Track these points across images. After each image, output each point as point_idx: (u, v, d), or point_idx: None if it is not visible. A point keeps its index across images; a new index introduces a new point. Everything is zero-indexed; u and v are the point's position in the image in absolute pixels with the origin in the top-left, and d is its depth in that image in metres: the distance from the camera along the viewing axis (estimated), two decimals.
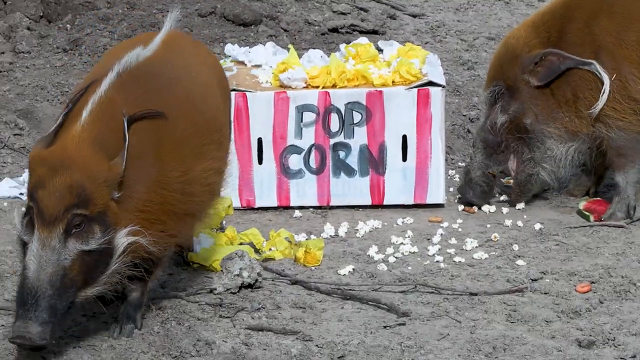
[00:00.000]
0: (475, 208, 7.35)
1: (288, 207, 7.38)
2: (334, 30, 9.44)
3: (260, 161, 7.33)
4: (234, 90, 7.24)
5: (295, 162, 7.35)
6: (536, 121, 7.21)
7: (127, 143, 5.33)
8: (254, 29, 9.38)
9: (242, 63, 7.57)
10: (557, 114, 7.18)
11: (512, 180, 7.34)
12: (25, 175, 7.52)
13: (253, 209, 7.36)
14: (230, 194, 7.26)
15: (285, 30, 9.40)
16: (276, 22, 9.50)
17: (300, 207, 7.38)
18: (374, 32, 9.37)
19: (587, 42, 7.11)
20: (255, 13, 9.49)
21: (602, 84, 7.04)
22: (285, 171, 7.34)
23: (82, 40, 9.17)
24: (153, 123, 5.50)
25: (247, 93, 7.25)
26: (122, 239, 5.36)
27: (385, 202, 7.39)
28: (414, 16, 9.86)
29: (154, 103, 5.61)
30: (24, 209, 5.34)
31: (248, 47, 7.74)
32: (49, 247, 5.18)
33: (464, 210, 7.36)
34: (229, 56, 7.65)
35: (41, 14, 9.90)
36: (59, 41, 9.22)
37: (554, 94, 7.16)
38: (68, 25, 9.42)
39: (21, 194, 7.44)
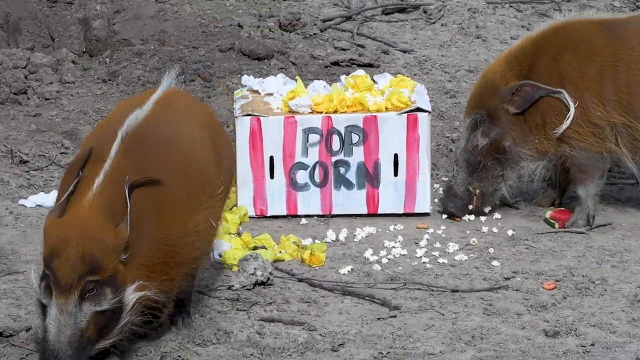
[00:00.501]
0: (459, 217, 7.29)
1: (295, 216, 7.32)
2: (335, 63, 9.40)
3: (272, 176, 7.28)
4: (249, 115, 7.20)
5: (302, 176, 7.30)
6: (514, 144, 7.17)
7: (129, 210, 5.17)
8: (266, 62, 9.35)
9: (257, 92, 7.54)
10: (530, 137, 7.14)
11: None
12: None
13: (265, 217, 7.30)
14: (245, 204, 7.25)
15: (293, 64, 9.37)
16: (286, 56, 9.46)
17: (306, 216, 7.32)
18: (370, 65, 9.33)
19: (554, 75, 7.06)
20: (268, 49, 9.46)
21: (568, 110, 6.99)
22: (293, 185, 7.29)
23: (119, 72, 9.14)
24: (151, 185, 5.34)
25: (261, 117, 7.21)
26: (131, 296, 5.23)
27: (379, 211, 7.34)
28: (404, 52, 9.83)
29: (153, 165, 5.45)
30: (39, 272, 5.19)
31: (262, 78, 7.71)
32: (66, 312, 5.06)
33: (448, 218, 7.30)
34: (245, 85, 7.60)
35: (84, 50, 9.88)
36: (99, 73, 9.18)
37: (527, 119, 7.12)
38: (107, 60, 9.40)
39: None
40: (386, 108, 7.31)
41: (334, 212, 7.34)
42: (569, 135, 7.05)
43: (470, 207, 7.29)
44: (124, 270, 5.22)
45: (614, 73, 7.01)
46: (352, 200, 7.35)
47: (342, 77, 7.62)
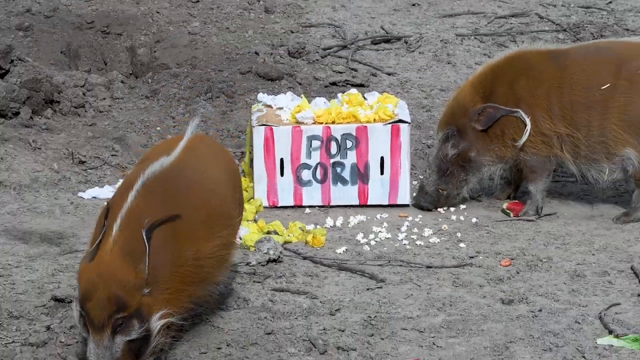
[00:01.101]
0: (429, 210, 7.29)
1: (301, 206, 7.32)
2: (333, 83, 9.40)
3: (282, 174, 7.28)
4: (263, 125, 7.22)
5: (306, 175, 7.30)
6: (477, 154, 7.17)
7: (147, 251, 5.00)
8: (278, 82, 9.35)
9: (270, 106, 7.54)
10: (491, 146, 7.14)
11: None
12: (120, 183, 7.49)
13: (276, 207, 7.30)
14: (260, 196, 7.24)
15: (299, 84, 9.36)
16: (293, 78, 9.46)
17: (310, 206, 7.31)
18: (361, 85, 9.33)
19: (511, 96, 7.06)
20: (279, 72, 9.45)
21: (523, 124, 6.99)
22: (299, 181, 7.29)
23: (159, 90, 9.13)
24: (171, 222, 5.19)
25: (273, 127, 7.22)
26: (156, 323, 5.08)
27: (369, 203, 7.33)
28: (389, 74, 9.82)
29: (173, 203, 5.27)
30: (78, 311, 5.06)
31: (274, 95, 7.71)
32: (102, 346, 4.95)
33: (421, 210, 7.30)
34: (261, 101, 7.61)
35: (131, 72, 9.86)
36: (142, 91, 9.18)
37: (489, 133, 7.12)
38: (149, 80, 9.39)
39: None
40: (374, 120, 7.31)
41: (332, 204, 7.34)
42: (526, 144, 7.06)
43: (438, 203, 7.30)
44: (149, 301, 5.07)
45: (559, 93, 7.00)
46: (346, 194, 7.34)
47: (339, 95, 7.62)
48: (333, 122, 7.29)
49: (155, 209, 5.18)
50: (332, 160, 7.30)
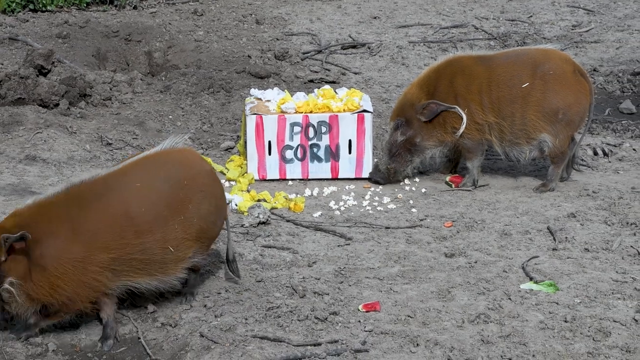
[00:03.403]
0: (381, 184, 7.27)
1: (285, 179, 7.27)
2: (311, 81, 9.37)
3: (269, 153, 7.23)
4: (255, 114, 7.16)
5: (289, 154, 7.25)
6: (422, 140, 7.13)
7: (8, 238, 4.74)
8: (266, 80, 9.30)
9: (260, 99, 7.49)
10: (434, 133, 7.10)
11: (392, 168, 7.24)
12: None
13: (265, 180, 7.24)
14: (252, 171, 7.20)
15: (284, 81, 9.32)
16: (279, 76, 9.41)
17: (292, 179, 7.27)
18: (334, 82, 9.30)
19: (450, 92, 7.02)
20: (267, 71, 9.41)
21: (462, 119, 6.97)
22: (283, 159, 7.25)
23: (171, 86, 9.08)
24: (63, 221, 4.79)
25: (263, 116, 7.16)
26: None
27: (339, 177, 7.30)
28: (356, 73, 9.79)
29: (69, 209, 4.82)
30: None
31: (263, 90, 7.65)
32: None
33: (374, 184, 7.26)
34: (252, 95, 7.56)
35: (148, 72, 9.80)
36: (158, 86, 9.13)
37: (433, 122, 7.08)
38: (163, 78, 9.34)
39: None
40: (344, 110, 7.28)
41: (310, 177, 7.30)
42: (463, 131, 7.04)
43: (388, 179, 7.26)
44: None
45: (488, 90, 6.97)
46: (321, 170, 7.30)
47: (315, 90, 7.58)
48: (311, 112, 7.25)
49: (54, 210, 4.83)
50: (310, 142, 7.26)
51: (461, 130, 7.00)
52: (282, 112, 7.25)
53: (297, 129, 7.22)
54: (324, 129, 7.25)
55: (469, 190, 7.10)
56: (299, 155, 7.26)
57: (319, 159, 7.29)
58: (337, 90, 7.57)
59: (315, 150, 7.27)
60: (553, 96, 6.89)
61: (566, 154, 7.04)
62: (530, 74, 6.91)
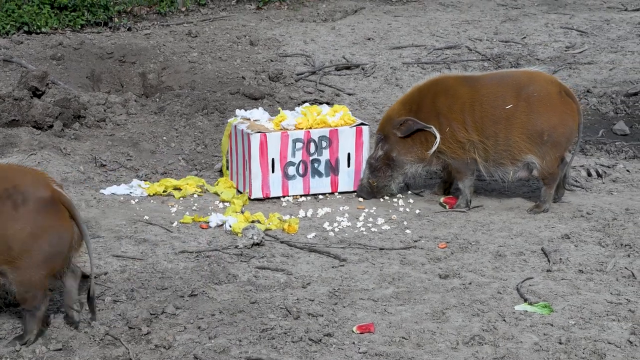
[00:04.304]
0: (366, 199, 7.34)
1: (283, 197, 7.29)
2: (305, 102, 9.39)
3: (273, 171, 7.25)
4: (259, 132, 7.21)
5: (291, 170, 7.30)
6: (398, 154, 7.17)
7: None
8: (260, 101, 9.34)
9: (248, 119, 7.53)
10: (413, 149, 7.14)
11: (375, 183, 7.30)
12: (134, 182, 7.45)
13: (269, 198, 7.28)
14: (257, 190, 7.22)
15: (278, 102, 9.36)
16: (273, 97, 9.45)
17: (293, 196, 7.31)
18: (327, 103, 9.33)
19: (433, 111, 7.06)
20: (261, 92, 9.44)
21: (436, 138, 7.01)
22: (286, 176, 7.29)
23: (165, 107, 9.10)
24: None
25: (267, 134, 7.20)
26: None
27: (339, 190, 7.40)
28: (349, 95, 9.83)
29: None
30: None
31: (249, 110, 7.69)
32: None
33: (359, 198, 7.33)
34: (237, 116, 7.61)
35: (142, 93, 9.83)
36: (152, 108, 9.15)
37: (413, 138, 7.12)
38: (157, 99, 9.37)
39: (130, 193, 7.34)
40: (341, 124, 7.36)
41: (311, 192, 7.35)
42: (445, 149, 7.06)
43: (372, 194, 7.31)
44: None
45: (471, 110, 7.01)
46: (322, 184, 7.36)
47: (297, 108, 7.64)
48: (311, 127, 7.29)
49: None
50: (311, 158, 7.33)
51: (433, 149, 7.03)
52: (283, 128, 7.28)
53: (299, 145, 7.27)
54: (324, 144, 7.31)
55: (463, 212, 7.10)
56: (300, 171, 7.31)
57: (320, 174, 7.34)
58: (322, 108, 7.62)
59: (316, 165, 7.33)
60: (537, 118, 6.92)
61: (557, 175, 7.06)
62: (515, 96, 6.95)
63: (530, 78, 7.03)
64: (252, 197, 7.24)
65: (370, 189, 7.27)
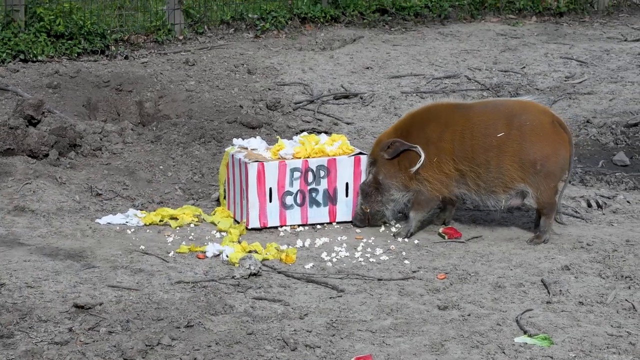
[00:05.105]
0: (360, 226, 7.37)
1: (278, 227, 7.30)
2: (303, 131, 9.41)
3: (270, 200, 7.27)
4: (256, 161, 7.23)
5: (289, 200, 7.31)
6: (385, 178, 7.20)
7: None
8: (258, 130, 9.37)
9: (245, 148, 7.56)
10: (399, 175, 7.17)
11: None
12: (130, 211, 7.46)
13: (266, 228, 7.29)
14: (255, 220, 7.23)
15: (275, 131, 9.38)
16: (271, 126, 9.48)
17: (291, 226, 7.32)
18: (326, 132, 9.33)
19: (422, 137, 7.10)
20: (259, 121, 9.47)
21: (419, 156, 7.04)
22: (284, 205, 7.30)
23: (162, 136, 9.12)
24: None
25: (265, 163, 7.22)
26: None
27: (337, 220, 7.41)
28: (348, 124, 9.86)
29: None
30: None
31: (245, 139, 7.72)
32: None
33: (354, 226, 7.36)
34: (235, 145, 7.63)
35: (139, 122, 9.84)
36: (149, 137, 9.16)
37: (399, 162, 7.16)
38: (154, 128, 9.38)
39: (126, 222, 7.35)
40: (339, 153, 7.40)
41: (309, 222, 7.36)
42: (424, 177, 7.10)
43: (366, 221, 7.33)
44: None
45: (462, 138, 7.04)
46: (320, 214, 7.37)
47: (294, 137, 7.66)
48: (309, 156, 7.33)
49: None
50: (309, 187, 7.34)
51: (416, 167, 7.05)
52: (281, 157, 7.31)
53: (296, 174, 7.29)
54: (322, 173, 7.33)
55: (462, 242, 7.11)
56: (298, 200, 7.31)
57: (317, 204, 7.35)
58: (320, 137, 7.65)
59: (314, 195, 7.33)
60: (530, 147, 6.96)
61: (554, 205, 7.08)
62: (507, 124, 6.99)
63: (523, 107, 7.08)
64: (249, 227, 7.25)
65: (364, 215, 7.29)
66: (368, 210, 7.28)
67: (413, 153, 7.10)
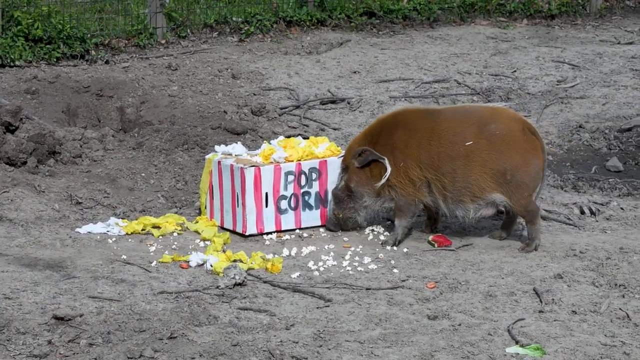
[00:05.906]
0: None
1: (269, 234, 7.33)
2: (289, 136, 9.37)
3: (266, 205, 7.30)
4: (253, 166, 7.27)
5: (284, 204, 7.37)
6: (356, 185, 7.25)
7: None
8: (242, 136, 9.37)
9: (230, 154, 7.58)
10: (370, 182, 7.22)
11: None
12: (111, 220, 7.45)
13: (261, 233, 7.34)
14: (252, 226, 7.28)
15: (261, 137, 9.39)
16: (256, 132, 9.48)
17: (284, 231, 7.36)
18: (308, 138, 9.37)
19: (388, 144, 7.15)
20: (244, 127, 9.48)
21: (386, 170, 7.10)
22: (279, 210, 7.36)
23: (144, 143, 9.12)
24: None
25: (261, 167, 7.27)
26: None
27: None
28: (335, 129, 9.87)
29: None
30: None
31: (227, 146, 7.76)
32: None
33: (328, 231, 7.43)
34: (217, 152, 7.66)
35: (120, 128, 9.84)
36: (130, 143, 9.16)
37: (371, 170, 7.22)
38: (135, 134, 9.38)
39: (107, 231, 7.34)
40: (328, 155, 7.50)
41: (302, 226, 7.42)
42: (395, 185, 7.14)
43: (340, 226, 7.39)
44: None
45: (428, 145, 7.07)
46: (312, 217, 7.45)
47: (272, 141, 7.69)
48: (301, 159, 7.39)
49: None
50: (302, 191, 7.40)
51: (383, 181, 7.09)
52: (274, 161, 7.35)
53: (290, 177, 7.35)
54: (314, 176, 7.40)
55: (453, 250, 7.12)
56: (292, 204, 7.37)
57: (310, 207, 7.42)
58: (299, 140, 7.72)
59: (306, 198, 7.40)
60: (499, 157, 6.97)
61: (535, 211, 7.09)
62: (476, 133, 7.00)
63: (494, 115, 7.09)
64: (246, 234, 7.28)
65: (337, 220, 7.34)
66: (340, 216, 7.32)
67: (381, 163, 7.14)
